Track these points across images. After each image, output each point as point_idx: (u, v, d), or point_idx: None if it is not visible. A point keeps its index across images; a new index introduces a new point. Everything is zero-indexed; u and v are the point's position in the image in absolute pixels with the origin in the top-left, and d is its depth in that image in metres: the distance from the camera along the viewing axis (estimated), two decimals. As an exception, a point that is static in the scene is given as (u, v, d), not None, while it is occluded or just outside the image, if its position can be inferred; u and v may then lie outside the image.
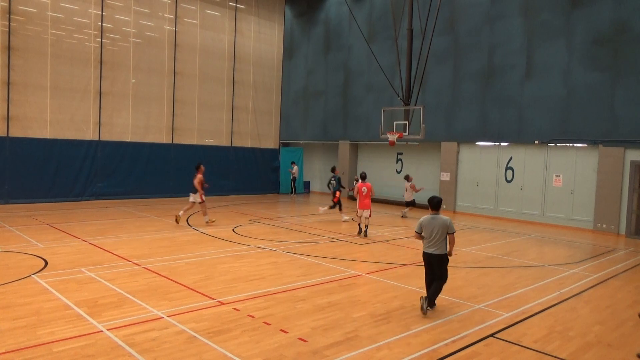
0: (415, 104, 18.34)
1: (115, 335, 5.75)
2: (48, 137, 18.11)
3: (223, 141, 23.69)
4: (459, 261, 10.92)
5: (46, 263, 9.12)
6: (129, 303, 6.97)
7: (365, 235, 13.56)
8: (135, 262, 9.50)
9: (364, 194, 13.62)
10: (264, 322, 6.39)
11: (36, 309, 6.56)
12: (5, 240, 11.12)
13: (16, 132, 17.42)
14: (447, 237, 7.13)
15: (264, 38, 25.15)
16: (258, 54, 24.86)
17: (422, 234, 7.22)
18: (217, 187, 23.09)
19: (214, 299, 7.31)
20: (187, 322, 6.26)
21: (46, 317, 6.30)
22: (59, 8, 18.20)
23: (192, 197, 14.51)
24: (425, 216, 7.26)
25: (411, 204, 18.85)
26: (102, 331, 5.88)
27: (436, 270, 7.17)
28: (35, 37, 17.66)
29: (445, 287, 8.73)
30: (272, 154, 25.88)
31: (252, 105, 24.82)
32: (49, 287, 7.57)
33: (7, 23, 17.02)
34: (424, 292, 7.72)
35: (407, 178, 18.90)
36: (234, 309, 6.91)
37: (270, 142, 25.82)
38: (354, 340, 5.92)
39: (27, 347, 5.34)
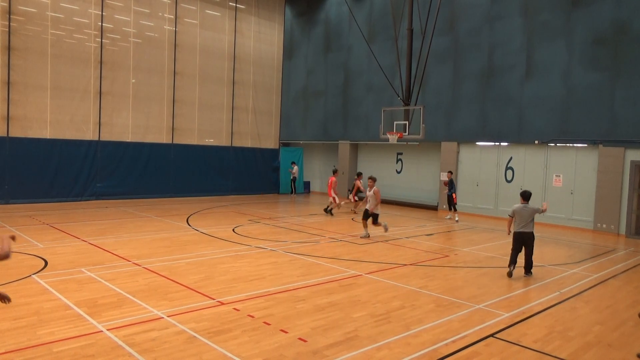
0: (415, 104, 18.34)
1: (115, 335, 5.75)
2: (48, 137, 18.12)
3: (223, 141, 23.69)
4: (458, 261, 10.92)
5: (46, 263, 9.13)
6: (129, 303, 6.97)
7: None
8: (135, 262, 9.50)
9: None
10: (264, 322, 6.39)
11: (36, 309, 6.56)
12: (5, 240, 11.11)
13: (16, 132, 17.42)
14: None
15: (264, 38, 25.15)
16: (258, 54, 24.86)
17: (514, 218, 9.46)
18: (217, 187, 23.13)
19: (214, 299, 7.32)
20: (187, 322, 6.26)
21: (46, 317, 6.30)
22: (59, 8, 18.20)
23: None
24: (518, 205, 9.53)
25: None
26: (102, 331, 5.88)
27: (528, 244, 9.43)
28: (35, 37, 17.66)
29: (445, 286, 8.75)
30: (272, 154, 25.89)
31: (252, 105, 24.82)
32: (49, 287, 7.57)
33: (7, 23, 17.02)
34: (424, 292, 7.93)
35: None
36: (234, 309, 6.91)
37: (270, 142, 25.82)
38: (354, 340, 5.92)
39: (28, 347, 5.34)
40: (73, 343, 5.51)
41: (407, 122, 17.45)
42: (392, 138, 17.55)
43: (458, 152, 20.69)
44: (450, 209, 18.49)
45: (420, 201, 22.46)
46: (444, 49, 20.74)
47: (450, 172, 18.61)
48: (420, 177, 22.43)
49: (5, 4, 16.95)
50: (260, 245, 11.67)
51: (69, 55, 18.44)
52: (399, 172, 24.05)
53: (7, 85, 17.10)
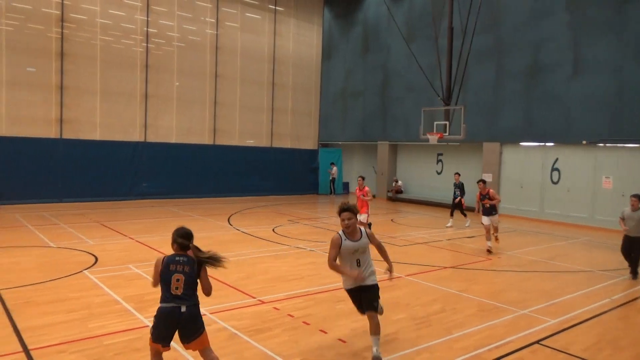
0: (456, 104, 18.01)
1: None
2: (98, 139, 18.89)
3: (263, 142, 24.02)
4: (501, 265, 10.65)
5: (96, 259, 9.52)
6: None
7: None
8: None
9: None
10: (304, 322, 6.45)
11: (87, 303, 6.86)
12: (58, 237, 11.67)
13: (69, 134, 18.25)
14: None
15: (303, 40, 25.33)
16: (297, 55, 25.07)
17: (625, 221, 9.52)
18: (257, 187, 23.47)
19: (254, 298, 7.44)
20: (228, 320, 6.40)
21: (97, 311, 6.58)
22: (108, 15, 18.97)
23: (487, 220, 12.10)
24: (627, 209, 9.54)
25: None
26: (148, 326, 6.08)
27: (634, 249, 9.54)
28: (85, 44, 18.46)
29: (487, 290, 8.58)
30: (311, 154, 26.03)
31: (291, 106, 25.05)
32: (99, 283, 7.90)
33: (60, 30, 17.86)
34: (466, 296, 7.84)
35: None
36: (274, 308, 7.00)
37: (309, 142, 25.98)
38: (394, 343, 5.88)
39: (80, 339, 5.60)
40: (122, 336, 5.74)
41: (447, 123, 17.15)
42: (432, 138, 17.30)
43: (501, 153, 20.17)
44: (462, 215, 16.80)
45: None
46: (485, 47, 20.27)
47: (458, 174, 17.50)
48: (461, 178, 21.99)
49: (58, 12, 17.80)
50: (299, 246, 11.76)
51: (117, 60, 19.18)
52: (439, 173, 23.68)
53: (60, 90, 17.95)
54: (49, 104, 17.81)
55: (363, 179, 12.98)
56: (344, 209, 5.30)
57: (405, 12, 24.29)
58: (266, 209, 19.00)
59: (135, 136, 19.88)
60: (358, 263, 5.37)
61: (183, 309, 4.24)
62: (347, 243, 5.32)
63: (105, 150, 18.99)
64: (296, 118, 25.27)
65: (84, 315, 6.39)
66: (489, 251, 11.79)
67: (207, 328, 6.16)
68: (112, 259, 9.59)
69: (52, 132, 17.93)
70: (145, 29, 19.85)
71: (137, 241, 11.56)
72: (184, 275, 4.30)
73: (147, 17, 19.86)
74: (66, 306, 6.70)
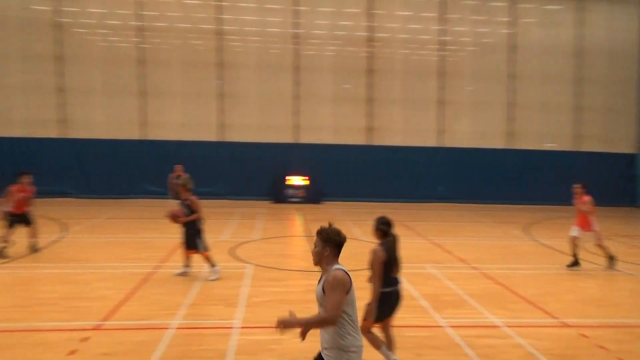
0: None
1: (455, 333, 6.10)
2: (399, 145, 20.64)
3: (565, 145, 21.62)
4: None
5: (396, 256, 10.43)
6: (468, 305, 7.24)
7: None
8: (473, 265, 9.79)
9: None
10: (618, 358, 5.54)
11: (390, 295, 7.60)
12: (368, 232, 13.27)
13: (377, 140, 20.58)
14: None
15: (616, 25, 21.58)
16: (609, 44, 21.54)
17: None
18: (557, 194, 21.27)
19: (556, 318, 6.81)
20: (526, 337, 6.06)
21: (398, 304, 7.23)
22: (406, 30, 20.56)
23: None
24: None
25: None
26: (442, 326, 6.34)
27: None
28: (388, 58, 20.52)
29: None
30: (627, 159, 21.96)
31: (601, 103, 21.73)
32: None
33: (369, 50, 20.33)
34: None
35: None
36: (581, 334, 6.25)
37: (624, 145, 21.98)
38: None
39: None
40: (418, 332, 6.15)
41: None
42: None
43: None
44: None
45: None
46: None
47: None
48: None
49: (367, 34, 20.28)
50: (618, 268, 10.10)
51: (415, 70, 20.58)
52: None
53: (369, 102, 20.43)
54: (359, 115, 20.51)
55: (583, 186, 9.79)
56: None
57: None
58: (568, 221, 17.01)
59: (431, 141, 20.86)
60: None
61: (397, 289, 4.88)
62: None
63: (403, 155, 20.57)
64: (607, 117, 21.77)
65: (388, 306, 7.11)
66: None
67: (503, 340, 6.06)
68: (410, 257, 10.25)
69: (363, 140, 20.58)
70: (440, 37, 20.62)
71: (432, 242, 12.12)
72: (398, 260, 4.90)
73: (442, 26, 20.59)
74: (366, 295, 7.56)
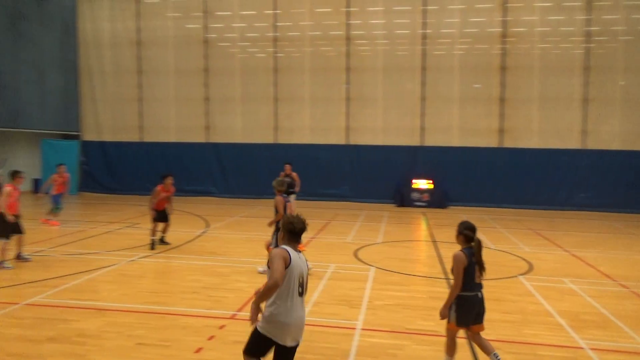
0: None
1: (598, 357, 5.51)
2: (535, 147, 19.07)
3: None
4: None
5: (531, 267, 9.72)
6: (613, 327, 6.49)
7: None
8: (621, 283, 8.71)
9: None
10: None
11: (521, 308, 7.12)
12: (496, 240, 12.57)
13: (509, 143, 19.29)
14: None
15: None
16: None
17: None
18: None
19: None
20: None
21: (530, 318, 6.74)
22: (546, 22, 18.92)
23: None
24: None
25: None
26: (583, 348, 5.77)
27: None
28: (524, 55, 19.06)
29: None
30: None
31: None
32: (533, 290, 8.04)
33: (501, 46, 19.12)
34: None
35: None
36: None
37: None
38: None
39: (513, 342, 5.89)
40: (555, 351, 5.67)
41: None
42: None
43: None
44: None
45: None
46: None
47: None
48: None
49: (500, 30, 19.11)
50: None
51: (554, 66, 18.82)
52: None
53: (500, 102, 19.24)
54: (491, 115, 19.40)
55: None
56: None
57: None
58: None
59: (573, 143, 18.94)
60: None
61: (479, 295, 4.90)
62: None
63: (544, 158, 18.97)
64: None
65: (518, 320, 6.67)
66: None
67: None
68: (547, 269, 9.54)
69: (493, 142, 19.45)
70: (585, 28, 18.61)
71: (572, 254, 11.04)
72: (482, 266, 4.88)
73: (588, 15, 18.56)
74: (502, 307, 7.16)
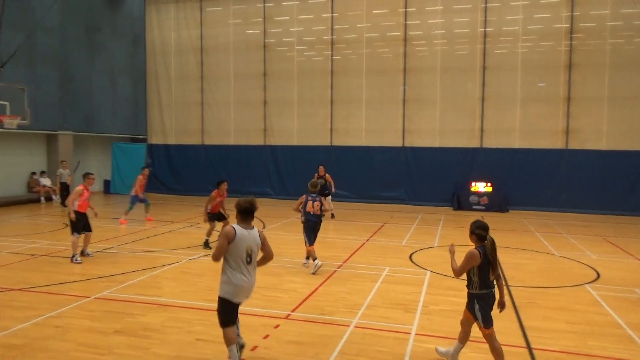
0: None
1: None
2: (604, 149, 17.98)
3: None
4: None
5: (598, 275, 9.18)
6: (693, 342, 6.00)
7: None
8: (703, 295, 8.04)
9: None
10: None
11: (588, 319, 6.74)
12: (561, 246, 11.97)
13: (575, 144, 18.29)
14: None
15: None
16: None
17: None
18: None
19: None
20: None
21: (597, 329, 6.37)
22: (618, 16, 17.78)
23: None
24: None
25: None
26: (658, 364, 5.38)
27: None
28: (594, 51, 18.01)
29: None
30: None
31: None
32: (600, 300, 7.60)
33: (569, 42, 18.16)
34: None
35: None
36: None
37: None
38: None
39: (579, 354, 5.59)
40: (626, 366, 5.33)
41: None
42: None
43: None
44: None
45: None
46: None
47: None
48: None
49: (567, 26, 18.17)
50: None
51: (627, 62, 17.66)
52: None
53: (567, 101, 18.28)
54: (555, 115, 18.48)
55: None
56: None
57: None
58: None
59: (641, 144, 17.69)
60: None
61: (494, 291, 4.91)
62: None
63: (610, 161, 17.85)
64: None
65: (584, 330, 6.33)
66: None
67: None
68: (615, 278, 8.97)
69: (558, 143, 18.51)
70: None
71: (645, 263, 10.32)
72: (495, 264, 4.88)
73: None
74: (567, 316, 6.82)
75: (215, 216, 11.45)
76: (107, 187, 24.28)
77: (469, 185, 18.91)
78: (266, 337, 5.95)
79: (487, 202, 18.63)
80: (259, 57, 21.73)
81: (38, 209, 18.47)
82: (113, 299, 7.37)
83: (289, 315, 6.76)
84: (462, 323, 5.17)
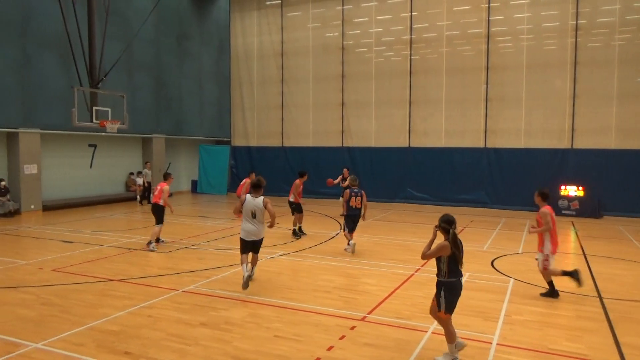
0: None
1: None
2: None
3: None
4: None
5: None
6: None
7: None
8: None
9: None
10: None
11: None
12: None
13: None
14: None
15: None
16: None
17: None
18: None
19: None
20: None
21: None
22: None
23: None
24: None
25: None
26: None
27: None
28: None
29: None
30: None
31: None
32: None
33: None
34: None
35: None
36: None
37: None
38: None
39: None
40: None
41: None
42: None
43: None
44: None
45: None
46: None
47: None
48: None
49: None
50: None
51: None
52: None
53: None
54: (659, 113, 16.86)
55: None
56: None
57: None
58: None
59: None
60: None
61: (461, 280, 5.35)
62: None
63: None
64: None
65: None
66: None
67: None
68: None
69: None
70: None
71: None
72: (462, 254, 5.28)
73: None
74: (669, 335, 6.22)
75: (296, 207, 12.41)
76: (195, 187, 25.73)
77: (558, 189, 17.74)
78: (342, 338, 6.03)
79: (578, 207, 17.39)
80: (337, 59, 21.95)
81: (134, 206, 20.02)
82: (199, 293, 7.83)
83: (365, 317, 6.78)
84: (431, 312, 5.56)
